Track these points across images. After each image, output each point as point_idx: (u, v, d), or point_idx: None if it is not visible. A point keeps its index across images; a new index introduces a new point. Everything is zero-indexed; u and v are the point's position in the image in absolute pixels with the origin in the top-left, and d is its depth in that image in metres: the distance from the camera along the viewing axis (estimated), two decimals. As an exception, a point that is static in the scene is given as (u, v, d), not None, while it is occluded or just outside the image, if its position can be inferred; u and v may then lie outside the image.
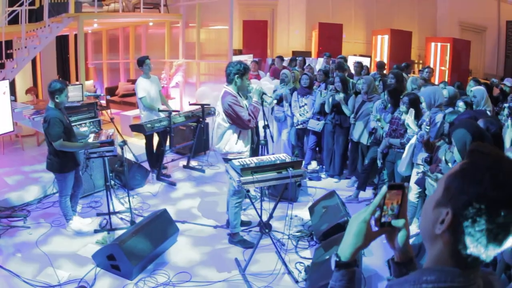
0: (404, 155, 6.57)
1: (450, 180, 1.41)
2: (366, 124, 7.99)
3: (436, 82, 13.14)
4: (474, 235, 1.33)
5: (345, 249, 1.65)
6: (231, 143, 6.09)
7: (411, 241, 5.79)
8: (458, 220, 1.34)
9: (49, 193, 7.86)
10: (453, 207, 1.36)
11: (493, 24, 19.12)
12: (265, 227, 5.81)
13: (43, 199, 7.73)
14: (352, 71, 11.54)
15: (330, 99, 8.33)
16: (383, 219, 1.61)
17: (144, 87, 8.79)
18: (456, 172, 1.41)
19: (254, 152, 6.73)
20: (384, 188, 1.59)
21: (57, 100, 6.07)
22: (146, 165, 8.95)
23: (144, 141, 9.23)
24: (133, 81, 14.72)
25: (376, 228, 1.62)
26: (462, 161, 1.43)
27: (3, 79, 9.63)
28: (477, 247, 1.34)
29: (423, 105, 6.39)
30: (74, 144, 6.27)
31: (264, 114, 6.68)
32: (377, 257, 5.82)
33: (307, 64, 11.98)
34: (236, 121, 5.96)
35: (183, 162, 9.84)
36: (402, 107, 6.77)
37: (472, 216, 1.32)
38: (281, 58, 12.86)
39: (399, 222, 1.62)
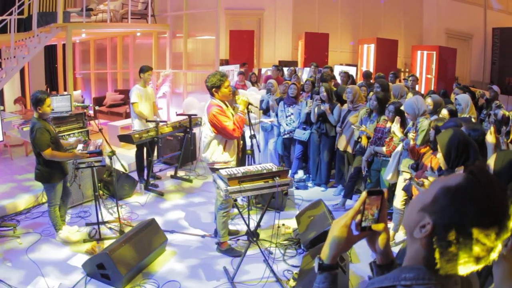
0: (390, 162, 6.64)
1: (441, 193, 1.46)
2: (351, 133, 8.06)
3: (422, 91, 13.26)
4: (446, 255, 1.41)
5: (327, 252, 1.73)
6: (217, 152, 6.12)
7: (399, 247, 5.88)
8: (436, 234, 1.42)
9: (39, 203, 7.87)
10: (434, 222, 1.43)
11: (479, 31, 19.29)
12: (252, 236, 5.87)
13: (32, 209, 7.73)
14: (339, 81, 11.59)
15: (316, 109, 8.40)
16: (363, 224, 1.69)
17: (138, 94, 8.87)
18: (449, 188, 1.46)
19: (240, 162, 6.77)
20: (364, 194, 1.67)
21: (40, 111, 6.11)
22: (134, 175, 8.98)
23: (132, 151, 9.27)
24: (121, 91, 14.78)
25: (357, 232, 1.70)
26: (459, 177, 1.47)
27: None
28: (446, 265, 1.42)
29: (409, 116, 6.45)
30: (63, 154, 6.30)
31: (250, 124, 6.73)
32: (364, 264, 5.90)
33: (294, 74, 12.02)
34: (221, 131, 6.00)
35: (171, 172, 9.87)
36: (384, 117, 6.88)
37: (448, 240, 1.40)
38: (277, 67, 12.72)
39: (379, 226, 1.70)
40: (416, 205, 1.54)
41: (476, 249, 1.37)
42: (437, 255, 1.42)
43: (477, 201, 1.39)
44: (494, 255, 1.41)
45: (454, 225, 1.38)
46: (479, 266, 1.43)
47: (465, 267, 1.42)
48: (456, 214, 1.39)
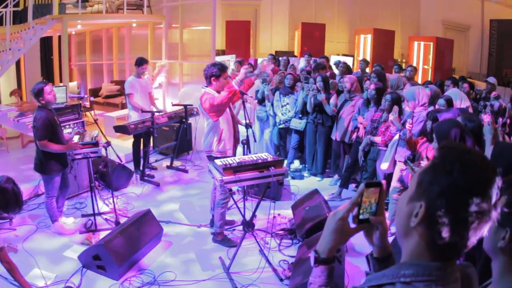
0: (387, 152, 6.63)
1: (422, 175, 1.46)
2: (348, 123, 8.04)
3: (420, 81, 13.25)
4: (448, 224, 1.37)
5: (323, 245, 1.70)
6: (215, 141, 6.14)
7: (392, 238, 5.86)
8: (432, 211, 1.39)
9: (36, 195, 7.86)
10: (426, 200, 1.41)
11: (476, 23, 19.17)
12: (248, 226, 5.86)
13: (29, 200, 7.70)
14: (335, 71, 11.55)
15: (312, 99, 8.37)
16: (361, 216, 1.66)
17: (134, 85, 8.90)
18: (427, 167, 1.47)
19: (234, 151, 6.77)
20: (362, 186, 1.64)
21: (43, 102, 6.14)
22: (130, 166, 8.96)
23: (128, 142, 9.25)
24: (117, 82, 14.75)
25: (354, 225, 1.68)
26: (433, 158, 1.48)
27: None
28: (453, 236, 1.39)
29: (408, 103, 6.45)
30: (57, 146, 6.24)
31: (246, 113, 6.72)
32: (360, 254, 5.90)
33: (290, 64, 11.97)
34: (216, 108, 6.00)
35: (167, 162, 9.86)
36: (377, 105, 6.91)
37: (445, 206, 1.37)
38: (273, 57, 12.68)
39: (377, 219, 1.68)
40: (403, 201, 1.54)
41: (475, 208, 1.35)
42: (439, 228, 1.38)
43: (457, 158, 1.40)
44: (494, 214, 1.40)
45: (446, 189, 1.37)
46: (486, 228, 1.41)
47: (474, 230, 1.39)
48: (443, 178, 1.38)
